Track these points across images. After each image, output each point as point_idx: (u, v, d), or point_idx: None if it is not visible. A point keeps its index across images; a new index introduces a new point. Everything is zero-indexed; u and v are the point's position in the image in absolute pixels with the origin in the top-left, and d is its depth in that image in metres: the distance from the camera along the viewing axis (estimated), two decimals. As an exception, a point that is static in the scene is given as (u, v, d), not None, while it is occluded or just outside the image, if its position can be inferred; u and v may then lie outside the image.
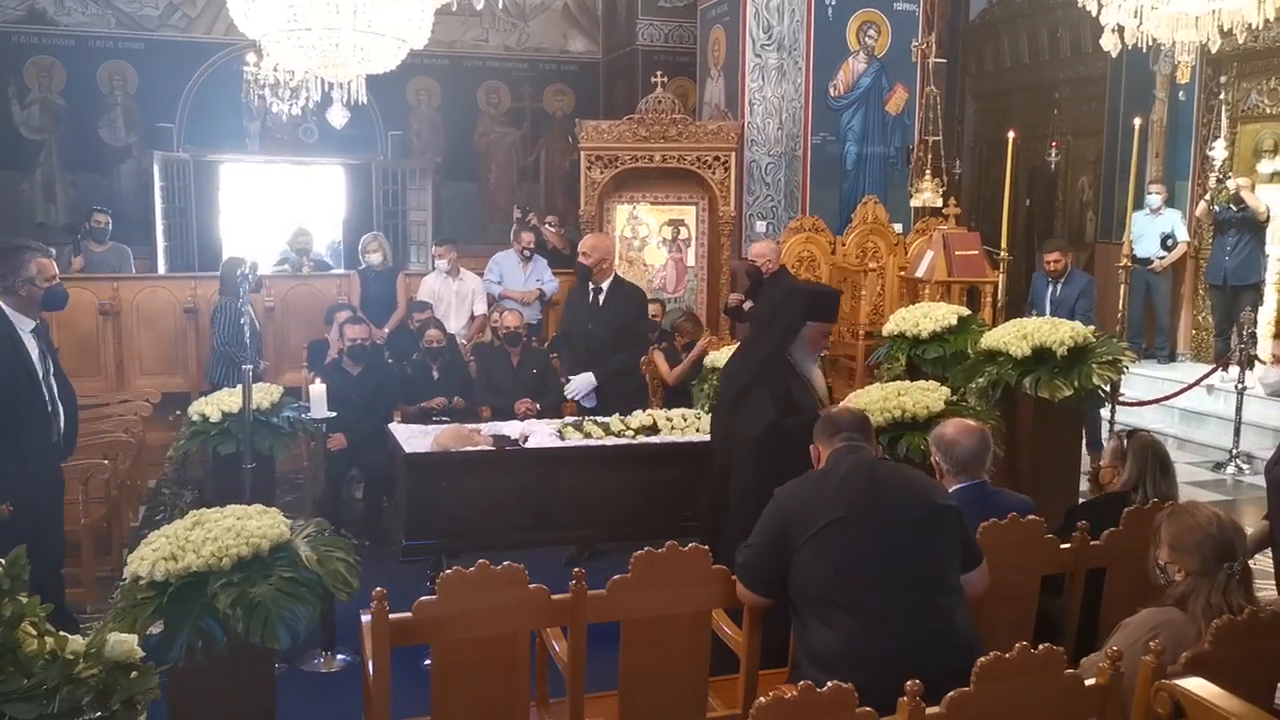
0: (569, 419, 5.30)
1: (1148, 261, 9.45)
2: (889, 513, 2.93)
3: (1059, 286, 7.84)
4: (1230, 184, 8.93)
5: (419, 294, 8.05)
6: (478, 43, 13.00)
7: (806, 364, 4.18)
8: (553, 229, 10.22)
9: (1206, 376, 8.12)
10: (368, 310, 7.67)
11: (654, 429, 5.01)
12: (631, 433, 4.94)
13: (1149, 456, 3.77)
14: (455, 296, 8.16)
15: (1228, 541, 2.74)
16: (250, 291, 6.23)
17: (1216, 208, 9.02)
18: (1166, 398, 8.34)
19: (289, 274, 9.03)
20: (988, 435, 3.70)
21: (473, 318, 8.19)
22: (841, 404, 3.60)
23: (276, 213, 12.49)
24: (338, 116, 5.68)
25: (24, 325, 4.15)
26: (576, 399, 6.04)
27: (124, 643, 2.29)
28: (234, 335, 6.61)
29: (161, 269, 10.74)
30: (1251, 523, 4.47)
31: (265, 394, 5.45)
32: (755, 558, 3.07)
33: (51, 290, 4.22)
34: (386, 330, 7.86)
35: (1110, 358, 5.30)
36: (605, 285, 6.04)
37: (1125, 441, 3.87)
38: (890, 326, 6.35)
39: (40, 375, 4.17)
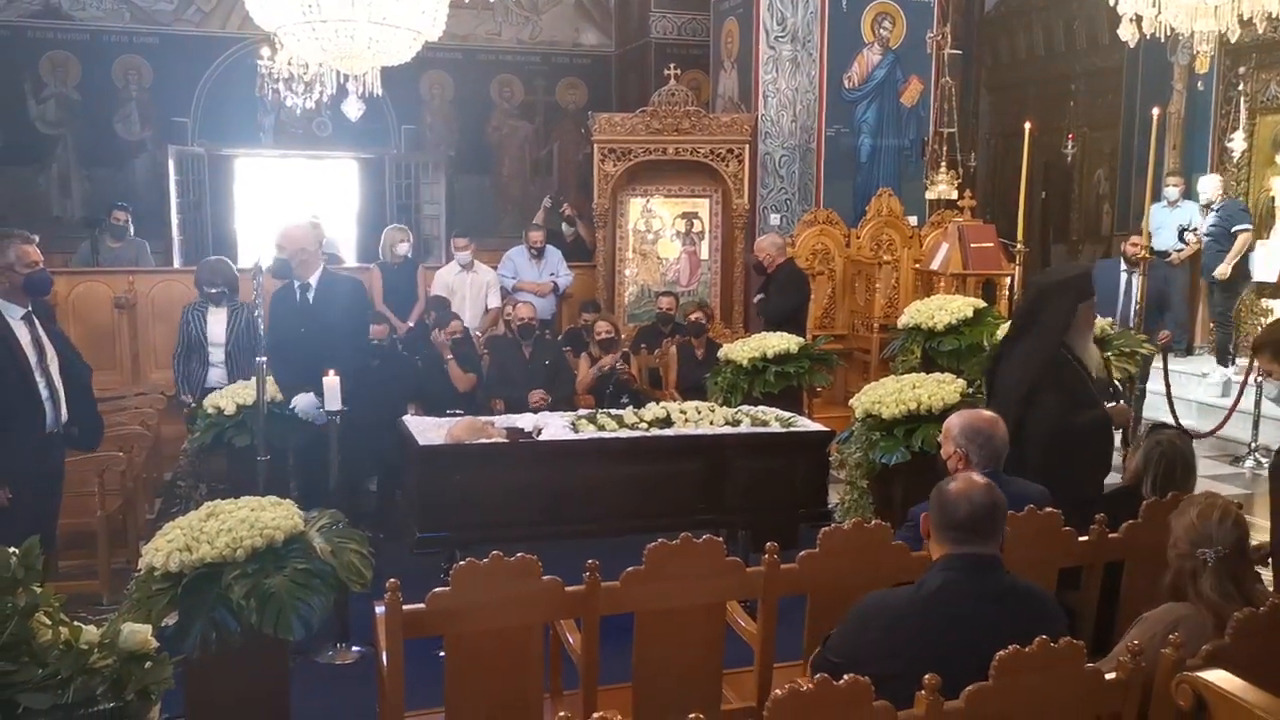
0: (582, 411, 5.28)
1: (1165, 254, 9.37)
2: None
3: (1136, 276, 7.28)
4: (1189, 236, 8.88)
5: (433, 288, 8.05)
6: (491, 36, 12.99)
7: (1084, 344, 4.15)
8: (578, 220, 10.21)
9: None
10: (389, 303, 7.68)
11: (668, 421, 4.99)
12: (645, 425, 4.92)
13: (1156, 455, 3.73)
14: (470, 289, 8.17)
15: (1208, 529, 2.74)
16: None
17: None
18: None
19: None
20: None
21: (486, 310, 8.19)
22: (963, 478, 2.78)
23: (291, 206, 12.49)
24: (353, 109, 5.67)
25: (13, 313, 4.12)
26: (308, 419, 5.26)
27: (138, 633, 2.30)
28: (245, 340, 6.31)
29: (176, 263, 10.76)
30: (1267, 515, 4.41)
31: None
32: (831, 669, 2.56)
33: (33, 276, 4.20)
34: (411, 323, 7.85)
35: (1129, 349, 5.27)
36: (313, 281, 5.31)
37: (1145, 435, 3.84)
38: (905, 319, 6.34)
39: (33, 363, 4.14)
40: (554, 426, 4.89)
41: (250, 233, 12.31)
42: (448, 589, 2.87)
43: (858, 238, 9.01)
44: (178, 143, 11.71)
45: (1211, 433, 7.76)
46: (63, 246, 9.89)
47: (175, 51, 11.95)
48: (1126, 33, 5.74)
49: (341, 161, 12.96)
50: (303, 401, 5.23)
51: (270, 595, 3.04)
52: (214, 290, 6.30)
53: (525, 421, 4.98)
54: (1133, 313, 7.22)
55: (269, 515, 3.26)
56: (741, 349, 6.34)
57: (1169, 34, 5.76)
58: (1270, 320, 3.67)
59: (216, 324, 6.29)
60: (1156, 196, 9.14)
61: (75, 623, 2.26)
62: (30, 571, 2.22)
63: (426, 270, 8.60)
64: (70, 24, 11.74)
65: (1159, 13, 5.53)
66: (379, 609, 2.96)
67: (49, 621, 2.21)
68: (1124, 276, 7.42)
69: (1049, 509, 3.40)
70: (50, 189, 11.84)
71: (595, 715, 2.18)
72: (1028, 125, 7.62)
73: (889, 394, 4.96)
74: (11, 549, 2.22)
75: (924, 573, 2.74)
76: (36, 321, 4.24)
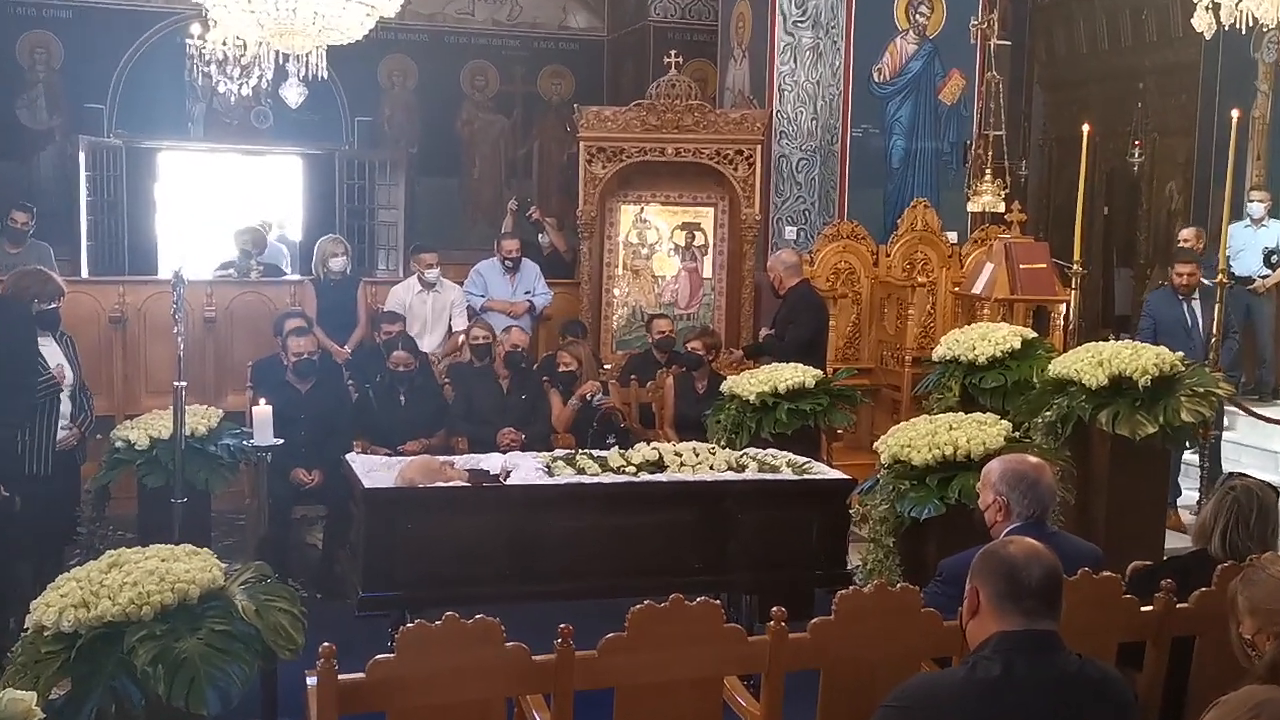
0: (559, 452, 5.27)
1: (1248, 281, 9.41)
2: None
3: (1193, 304, 7.63)
4: None
5: (387, 305, 8.06)
6: (462, 16, 13.10)
7: None
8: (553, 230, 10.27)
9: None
10: (324, 324, 7.67)
11: (660, 465, 4.99)
12: (633, 469, 4.92)
13: (1229, 503, 3.74)
14: (431, 311, 8.17)
15: None
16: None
17: None
18: None
19: (234, 279, 9.03)
20: None
21: (449, 333, 8.19)
22: (1015, 541, 2.83)
23: (222, 209, 12.54)
24: (293, 94, 5.70)
25: None
26: None
27: (20, 701, 2.28)
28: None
29: (84, 271, 10.76)
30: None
31: (201, 418, 5.46)
32: None
33: None
34: (348, 349, 7.83)
35: (1203, 389, 5.28)
36: None
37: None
38: (941, 350, 6.36)
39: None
40: (525, 469, 4.89)
41: (173, 238, 12.32)
42: (392, 656, 2.86)
43: (887, 256, 9.04)
44: (91, 133, 11.74)
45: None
46: (-48, 251, 9.88)
47: (91, 28, 12.00)
48: (1202, 23, 5.80)
49: (284, 157, 13.03)
50: None
51: (182, 661, 3.02)
52: (48, 307, 5.52)
53: (492, 463, 4.98)
54: (1199, 346, 7.36)
55: (182, 566, 3.24)
56: (749, 382, 6.35)
57: (1251, 25, 5.81)
58: None
59: (53, 355, 5.46)
60: (1237, 214, 9.20)
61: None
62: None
63: (377, 286, 8.61)
64: (-32, -7, 11.81)
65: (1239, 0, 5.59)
66: (310, 680, 2.94)
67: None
68: (1176, 306, 7.54)
69: (1106, 573, 3.40)
70: (-61, 185, 11.86)
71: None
72: (1086, 128, 7.68)
73: (920, 437, 4.96)
74: None
75: (971, 651, 2.71)
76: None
